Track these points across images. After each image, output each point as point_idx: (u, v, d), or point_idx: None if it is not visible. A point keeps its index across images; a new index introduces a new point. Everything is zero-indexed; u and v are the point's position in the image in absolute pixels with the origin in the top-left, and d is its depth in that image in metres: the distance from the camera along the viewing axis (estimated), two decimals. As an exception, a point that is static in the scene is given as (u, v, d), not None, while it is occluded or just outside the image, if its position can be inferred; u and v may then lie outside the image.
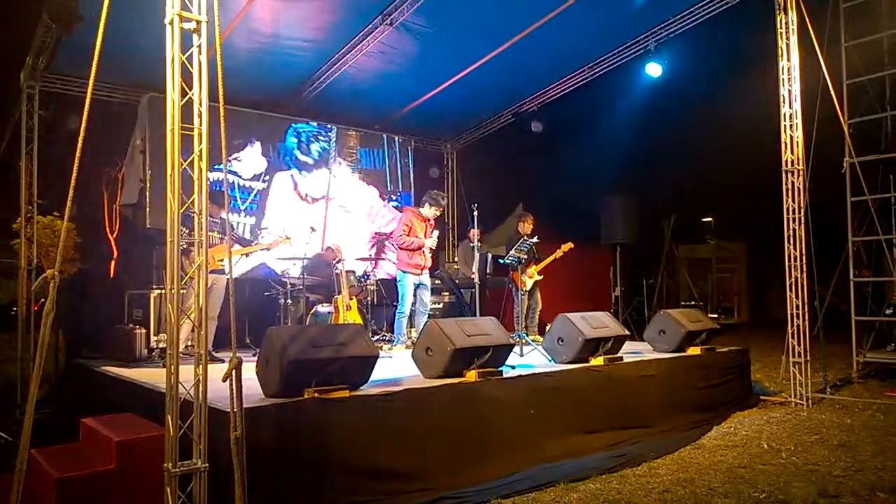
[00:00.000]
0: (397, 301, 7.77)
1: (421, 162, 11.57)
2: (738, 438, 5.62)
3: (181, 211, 3.25)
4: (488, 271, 9.97)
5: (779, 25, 7.09)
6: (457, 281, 9.78)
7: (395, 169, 10.97)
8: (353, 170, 10.46)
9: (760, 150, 8.51)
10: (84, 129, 3.22)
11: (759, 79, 8.01)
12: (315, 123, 10.00)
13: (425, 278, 7.71)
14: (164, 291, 6.69)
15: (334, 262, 7.96)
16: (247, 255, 7.03)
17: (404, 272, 7.59)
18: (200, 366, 3.33)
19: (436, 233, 7.70)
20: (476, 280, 7.63)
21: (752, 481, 4.41)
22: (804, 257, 7.01)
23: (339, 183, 10.23)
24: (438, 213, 7.77)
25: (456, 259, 10.74)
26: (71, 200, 3.22)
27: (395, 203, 10.84)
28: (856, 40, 8.52)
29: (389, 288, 9.09)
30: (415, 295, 7.67)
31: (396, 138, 10.99)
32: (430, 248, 7.64)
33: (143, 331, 6.67)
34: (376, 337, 8.31)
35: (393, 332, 8.55)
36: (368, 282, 8.54)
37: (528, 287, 8.80)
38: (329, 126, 10.15)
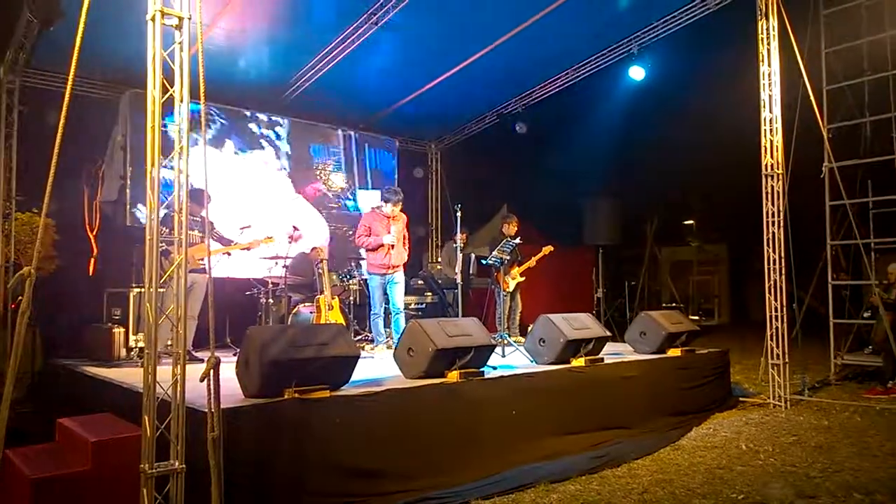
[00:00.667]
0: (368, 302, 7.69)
1: (405, 162, 11.56)
2: (718, 440, 5.67)
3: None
4: (471, 272, 9.98)
5: (760, 31, 7.17)
6: (439, 281, 9.77)
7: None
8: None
9: (742, 154, 8.60)
10: (63, 124, 3.18)
11: (741, 84, 8.09)
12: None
13: (396, 277, 7.45)
14: (143, 290, 6.62)
15: (318, 262, 7.92)
16: (228, 254, 6.97)
17: (371, 273, 7.52)
18: (179, 366, 3.30)
19: (394, 228, 7.41)
20: (459, 281, 7.61)
21: (731, 482, 4.45)
22: (783, 260, 7.09)
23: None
24: (398, 207, 7.48)
25: (439, 259, 10.73)
26: (48, 196, 3.18)
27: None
28: (835, 47, 8.63)
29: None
30: (385, 294, 7.52)
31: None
32: (392, 245, 7.35)
33: (122, 330, 6.60)
34: (358, 337, 8.29)
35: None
36: (351, 281, 8.51)
37: (511, 288, 8.82)
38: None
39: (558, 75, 9.60)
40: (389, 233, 7.39)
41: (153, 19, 3.24)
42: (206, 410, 3.28)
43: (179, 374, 3.29)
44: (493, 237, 9.34)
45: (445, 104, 10.16)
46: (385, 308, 7.62)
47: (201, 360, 5.20)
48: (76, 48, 3.21)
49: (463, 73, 8.84)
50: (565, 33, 8.21)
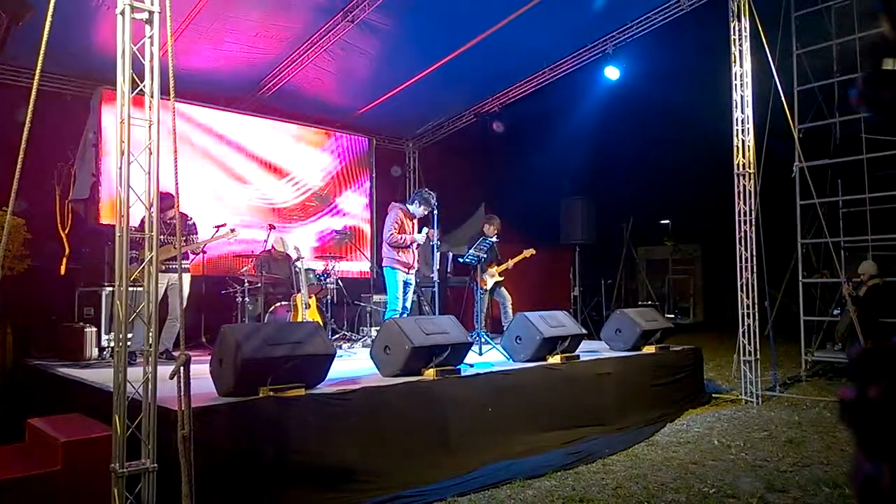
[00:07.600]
0: (374, 299, 7.28)
1: (382, 160, 11.54)
2: (691, 435, 5.74)
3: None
4: (449, 270, 9.97)
5: (732, 32, 7.26)
6: (417, 280, 9.75)
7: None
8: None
9: (716, 153, 8.70)
10: (29, 121, 3.13)
11: (714, 84, 8.19)
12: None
13: (411, 277, 7.24)
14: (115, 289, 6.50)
15: (281, 257, 7.86)
16: (193, 252, 6.76)
17: (393, 268, 7.01)
18: (150, 364, 3.27)
19: (426, 229, 7.16)
20: (436, 279, 7.59)
21: (703, 477, 4.51)
22: (755, 259, 7.18)
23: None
24: (426, 214, 7.24)
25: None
26: (14, 193, 3.14)
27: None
28: (806, 48, 8.76)
29: (350, 286, 9.03)
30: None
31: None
32: (419, 245, 7.21)
33: (94, 329, 6.51)
34: (336, 336, 8.25)
35: (355, 332, 8.50)
36: (329, 279, 8.47)
37: (489, 286, 8.79)
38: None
39: (535, 74, 9.64)
40: (420, 232, 7.17)
41: (123, 13, 3.20)
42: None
43: (151, 373, 3.26)
44: (471, 236, 9.32)
45: (423, 103, 10.15)
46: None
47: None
48: (43, 43, 3.17)
49: (440, 71, 8.84)
50: (541, 33, 8.25)
